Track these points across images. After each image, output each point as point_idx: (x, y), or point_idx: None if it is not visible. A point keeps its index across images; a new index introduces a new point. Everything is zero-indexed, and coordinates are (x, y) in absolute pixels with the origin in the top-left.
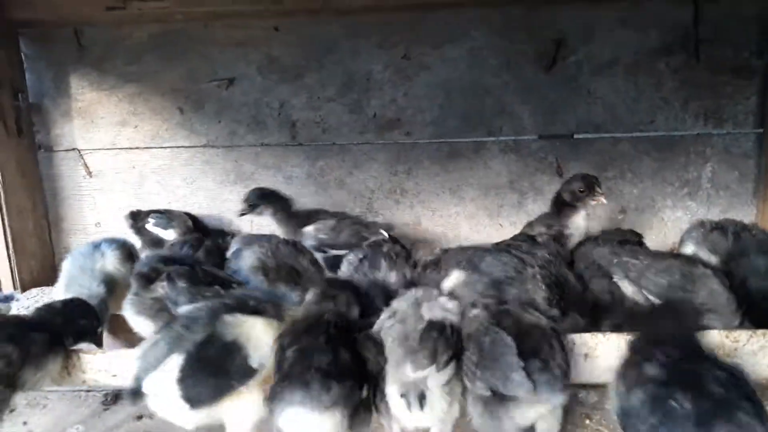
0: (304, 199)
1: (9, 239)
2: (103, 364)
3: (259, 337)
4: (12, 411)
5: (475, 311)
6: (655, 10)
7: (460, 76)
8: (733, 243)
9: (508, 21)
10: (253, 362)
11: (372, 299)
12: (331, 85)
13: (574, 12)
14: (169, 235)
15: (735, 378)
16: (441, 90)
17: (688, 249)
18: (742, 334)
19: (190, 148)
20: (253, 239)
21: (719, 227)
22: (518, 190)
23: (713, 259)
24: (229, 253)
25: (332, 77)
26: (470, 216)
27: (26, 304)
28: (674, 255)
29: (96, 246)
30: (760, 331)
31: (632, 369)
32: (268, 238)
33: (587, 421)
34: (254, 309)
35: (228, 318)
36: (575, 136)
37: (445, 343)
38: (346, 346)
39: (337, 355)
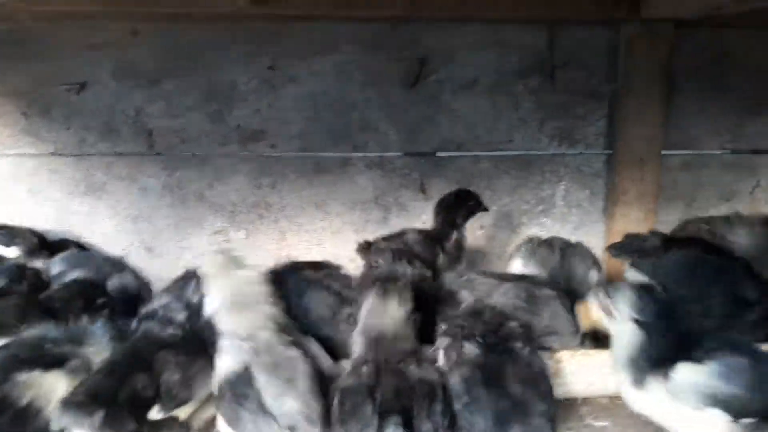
0: (160, 211)
1: None
2: None
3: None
4: None
5: None
6: (513, 35)
7: (327, 90)
8: (560, 258)
9: (375, 37)
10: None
11: None
12: (192, 93)
13: (437, 32)
14: (12, 252)
15: None
16: (308, 103)
17: (517, 263)
18: (564, 354)
19: (36, 156)
20: (82, 260)
21: (546, 243)
22: (383, 206)
23: (542, 273)
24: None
25: (193, 85)
26: (336, 231)
27: None
28: (521, 276)
29: None
30: (579, 352)
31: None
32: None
33: None
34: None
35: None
36: (438, 154)
37: None
38: None
39: None
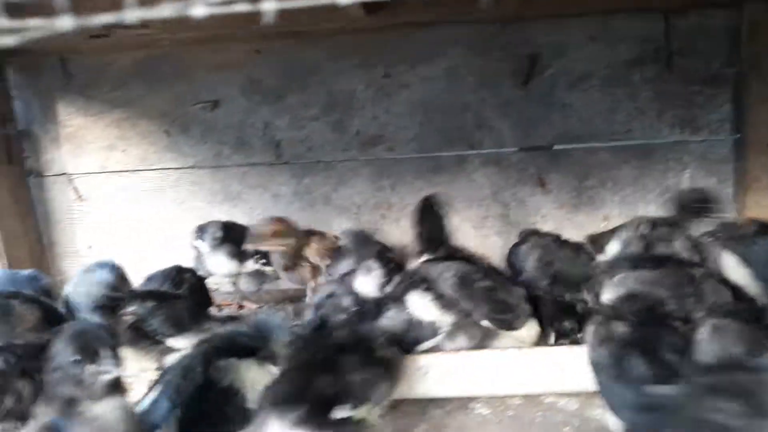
0: (291, 216)
1: (6, 265)
2: None
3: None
4: None
5: None
6: (625, 24)
7: (440, 93)
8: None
9: (485, 38)
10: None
11: None
12: (314, 105)
13: (545, 29)
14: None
15: None
16: (422, 106)
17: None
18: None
19: (178, 170)
20: None
21: None
22: (501, 202)
23: None
24: None
25: (315, 97)
26: (455, 228)
27: None
28: None
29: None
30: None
31: None
32: None
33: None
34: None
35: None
36: (555, 147)
37: None
38: None
39: None
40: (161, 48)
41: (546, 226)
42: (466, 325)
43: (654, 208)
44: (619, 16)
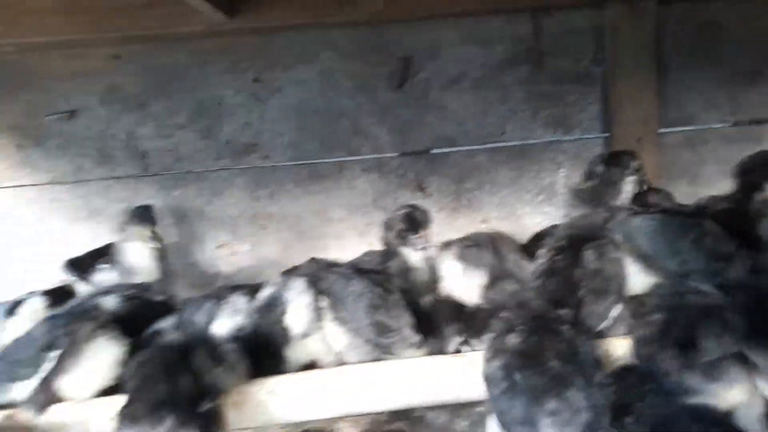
0: (163, 231)
1: None
2: None
3: None
4: None
5: None
6: (497, 25)
7: (313, 98)
8: None
9: (356, 42)
10: None
11: None
12: (180, 112)
13: (418, 31)
14: None
15: None
16: (296, 112)
17: None
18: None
19: (35, 186)
20: None
21: None
22: (383, 208)
23: None
24: None
25: (181, 104)
26: (338, 236)
27: None
28: None
29: None
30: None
31: None
32: None
33: None
34: None
35: None
36: (432, 151)
37: None
38: None
39: None
40: (6, 54)
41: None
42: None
43: (530, 209)
44: (491, 18)
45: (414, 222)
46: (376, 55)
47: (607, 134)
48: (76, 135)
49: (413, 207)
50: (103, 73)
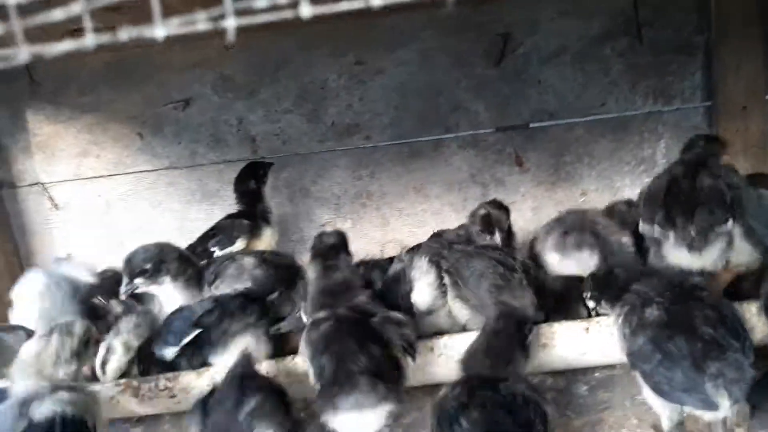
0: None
1: None
2: None
3: None
4: None
5: None
6: None
7: (413, 78)
8: None
9: (456, 19)
10: None
11: None
12: (286, 97)
13: (517, 6)
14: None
15: None
16: (394, 92)
17: None
18: None
19: (153, 172)
20: None
21: None
22: (481, 183)
23: None
24: None
25: (287, 90)
26: (436, 212)
27: None
28: None
29: None
30: None
31: None
32: None
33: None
34: None
35: None
36: (531, 125)
37: None
38: None
39: None
40: (129, 50)
41: (525, 205)
42: None
43: (629, 180)
44: None
45: (490, 226)
46: (475, 32)
47: (708, 103)
48: (191, 122)
49: (493, 205)
50: (216, 63)
